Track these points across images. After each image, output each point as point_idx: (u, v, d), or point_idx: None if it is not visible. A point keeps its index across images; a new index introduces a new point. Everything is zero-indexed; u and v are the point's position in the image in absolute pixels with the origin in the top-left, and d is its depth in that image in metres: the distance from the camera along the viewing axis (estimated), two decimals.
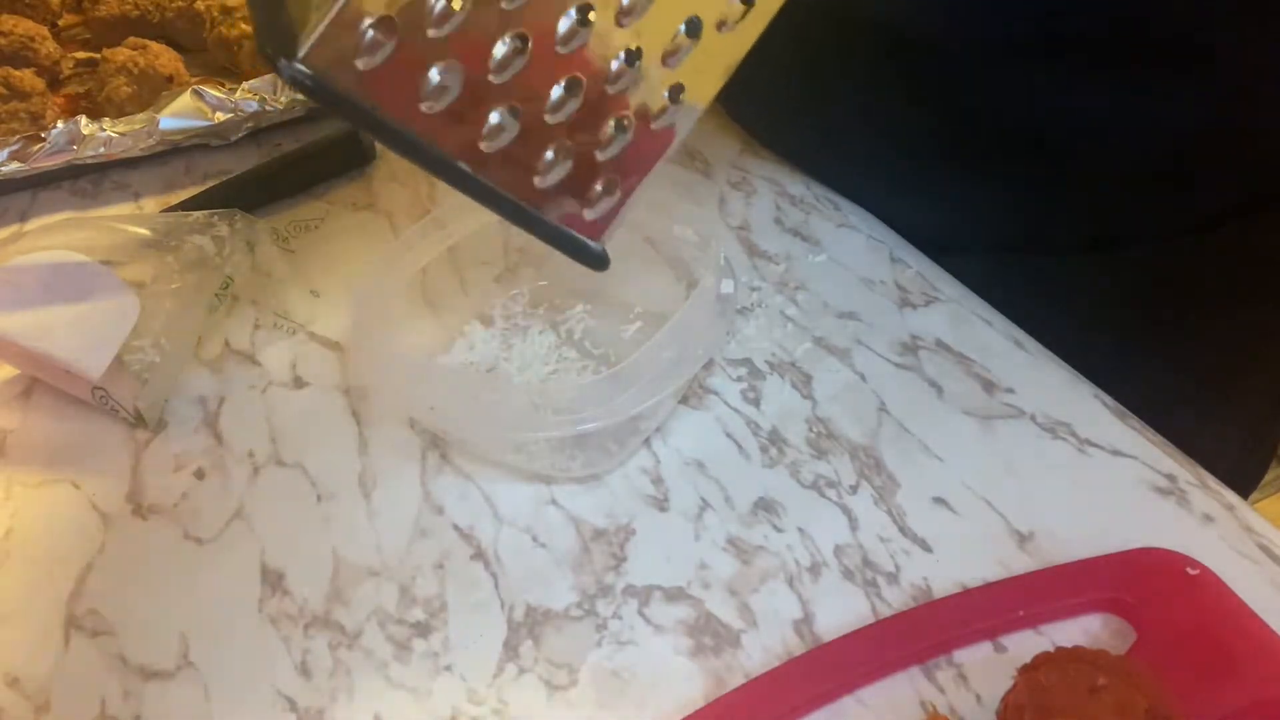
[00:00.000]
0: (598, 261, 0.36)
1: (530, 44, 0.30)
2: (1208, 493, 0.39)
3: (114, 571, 0.39)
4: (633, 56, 0.33)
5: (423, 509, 0.40)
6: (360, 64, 0.28)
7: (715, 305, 0.41)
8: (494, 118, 0.31)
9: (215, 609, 0.37)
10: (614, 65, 0.32)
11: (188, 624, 0.37)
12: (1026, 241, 0.51)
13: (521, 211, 0.34)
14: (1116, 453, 0.41)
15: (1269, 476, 0.62)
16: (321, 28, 0.26)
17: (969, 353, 0.46)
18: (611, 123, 0.34)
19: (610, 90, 0.33)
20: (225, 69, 0.65)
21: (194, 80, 0.61)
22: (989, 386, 0.44)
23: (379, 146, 0.59)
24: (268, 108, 0.59)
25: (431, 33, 0.28)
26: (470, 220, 0.46)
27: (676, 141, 0.36)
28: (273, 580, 0.38)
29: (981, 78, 0.45)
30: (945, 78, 0.46)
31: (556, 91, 0.32)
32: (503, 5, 0.29)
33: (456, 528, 0.40)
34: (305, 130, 0.61)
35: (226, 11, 0.64)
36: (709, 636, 0.36)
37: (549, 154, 0.33)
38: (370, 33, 0.27)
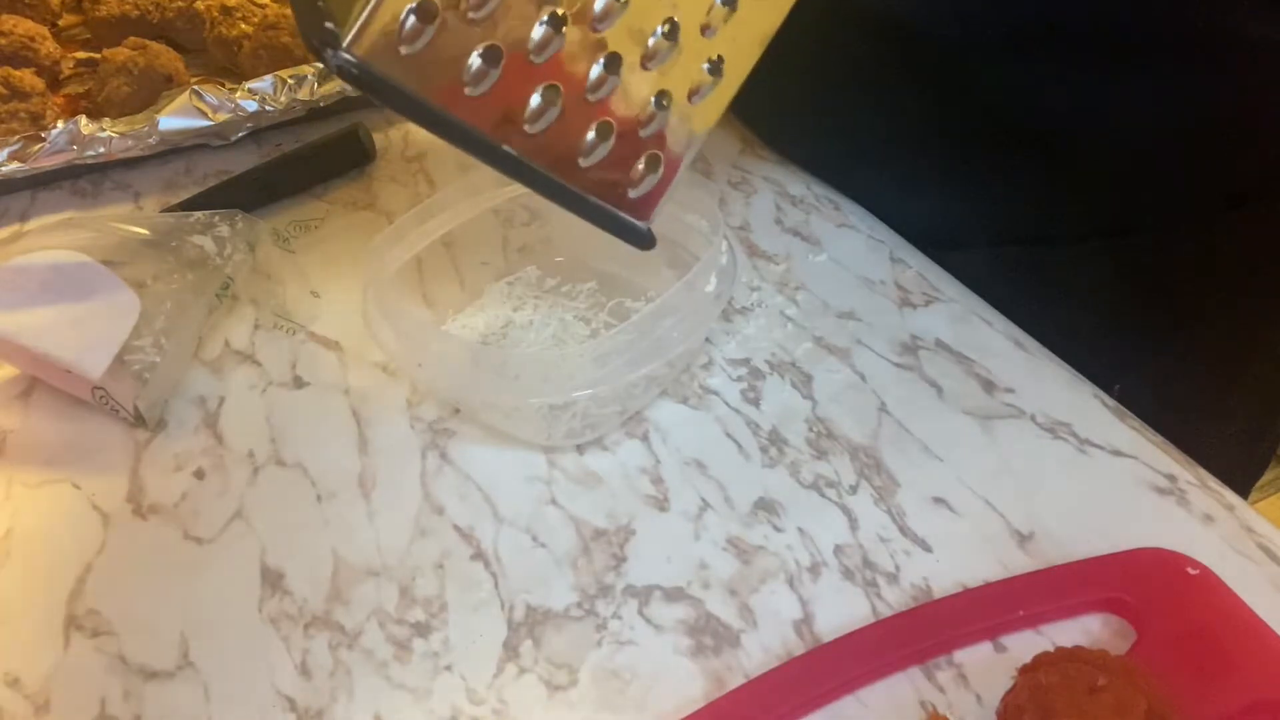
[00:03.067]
0: (643, 240, 0.36)
1: (567, 23, 0.30)
2: (1208, 493, 0.39)
3: (114, 571, 0.39)
4: (671, 30, 0.32)
5: (423, 509, 0.40)
6: (404, 50, 0.28)
7: (703, 296, 0.42)
8: (535, 99, 0.31)
9: (215, 609, 0.37)
10: (652, 40, 0.32)
11: (188, 624, 0.37)
12: (1030, 233, 0.51)
13: (567, 192, 0.34)
14: (1116, 453, 0.41)
15: (1269, 476, 0.62)
16: (364, 16, 0.27)
17: (969, 353, 0.46)
18: (652, 99, 0.34)
19: (650, 66, 0.33)
20: (225, 69, 0.64)
21: (194, 80, 0.61)
22: (989, 386, 0.44)
23: (379, 146, 0.59)
24: (268, 108, 0.59)
25: (471, 16, 0.29)
26: (465, 209, 0.47)
27: (718, 114, 0.36)
28: (273, 580, 0.38)
29: (987, 69, 0.45)
30: (951, 69, 0.46)
31: (596, 70, 0.32)
32: None
33: (456, 528, 0.40)
34: (305, 130, 0.61)
35: (226, 11, 0.64)
36: (709, 636, 0.36)
37: (591, 134, 0.33)
38: (411, 19, 0.27)
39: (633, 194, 0.35)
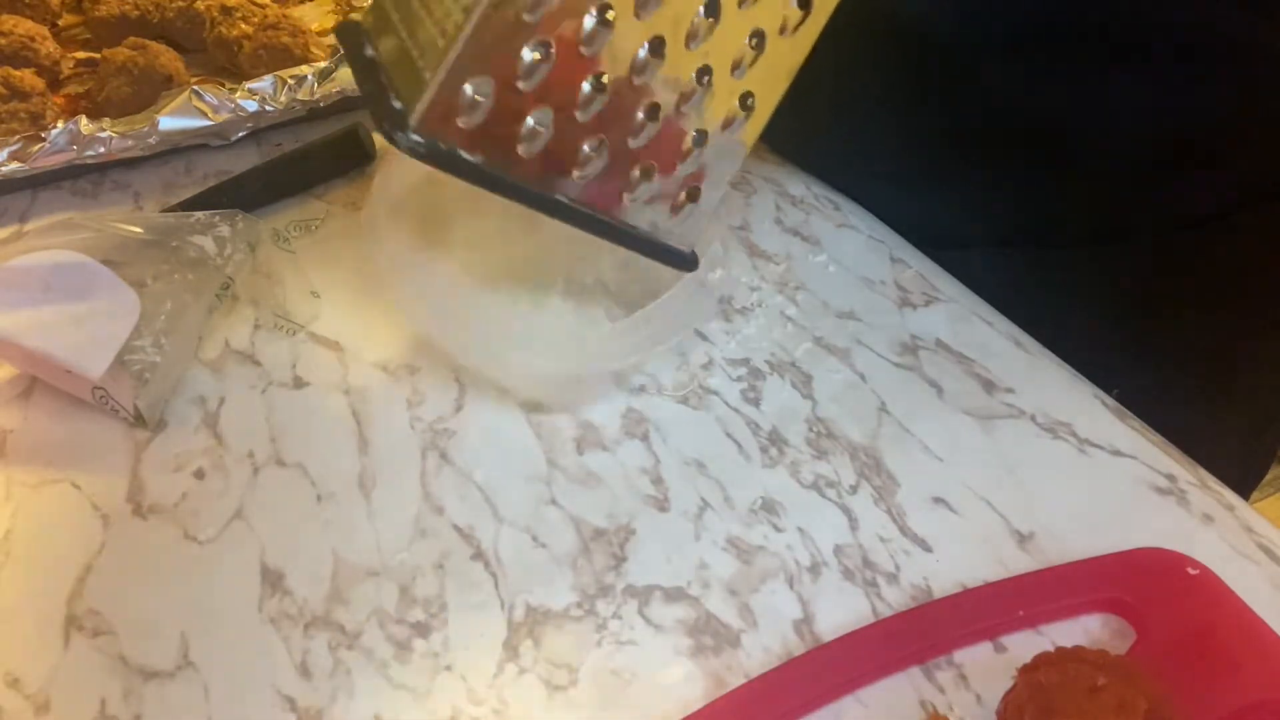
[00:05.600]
0: (687, 263, 0.39)
1: (609, 81, 0.32)
2: (1208, 493, 0.39)
3: (114, 571, 0.39)
4: (703, 74, 0.35)
5: (423, 509, 0.40)
6: (462, 123, 0.30)
7: (698, 290, 0.42)
8: (585, 149, 0.33)
9: (215, 609, 0.37)
10: (686, 85, 0.34)
11: (188, 624, 0.37)
12: (1030, 234, 0.51)
13: (616, 230, 0.36)
14: (1116, 453, 0.41)
15: (1269, 476, 0.62)
16: (427, 99, 0.29)
17: (969, 353, 0.46)
18: (689, 138, 0.36)
19: (686, 109, 0.35)
20: (225, 69, 0.64)
21: (194, 80, 0.61)
22: (989, 386, 0.44)
23: (379, 146, 0.59)
24: (268, 108, 0.59)
25: (521, 85, 0.31)
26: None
27: (751, 143, 0.38)
28: (273, 580, 0.38)
29: (988, 70, 0.45)
30: (952, 70, 0.46)
31: (637, 118, 0.34)
32: (582, 51, 0.31)
33: (456, 528, 0.40)
34: (305, 130, 0.61)
35: (226, 11, 0.64)
36: (709, 636, 0.36)
37: (635, 174, 0.35)
38: (469, 94, 0.30)
39: (676, 224, 0.37)
